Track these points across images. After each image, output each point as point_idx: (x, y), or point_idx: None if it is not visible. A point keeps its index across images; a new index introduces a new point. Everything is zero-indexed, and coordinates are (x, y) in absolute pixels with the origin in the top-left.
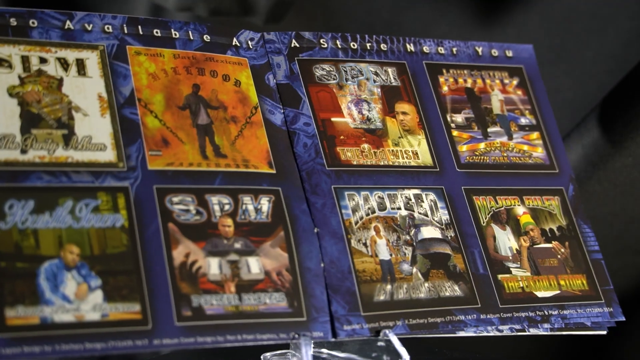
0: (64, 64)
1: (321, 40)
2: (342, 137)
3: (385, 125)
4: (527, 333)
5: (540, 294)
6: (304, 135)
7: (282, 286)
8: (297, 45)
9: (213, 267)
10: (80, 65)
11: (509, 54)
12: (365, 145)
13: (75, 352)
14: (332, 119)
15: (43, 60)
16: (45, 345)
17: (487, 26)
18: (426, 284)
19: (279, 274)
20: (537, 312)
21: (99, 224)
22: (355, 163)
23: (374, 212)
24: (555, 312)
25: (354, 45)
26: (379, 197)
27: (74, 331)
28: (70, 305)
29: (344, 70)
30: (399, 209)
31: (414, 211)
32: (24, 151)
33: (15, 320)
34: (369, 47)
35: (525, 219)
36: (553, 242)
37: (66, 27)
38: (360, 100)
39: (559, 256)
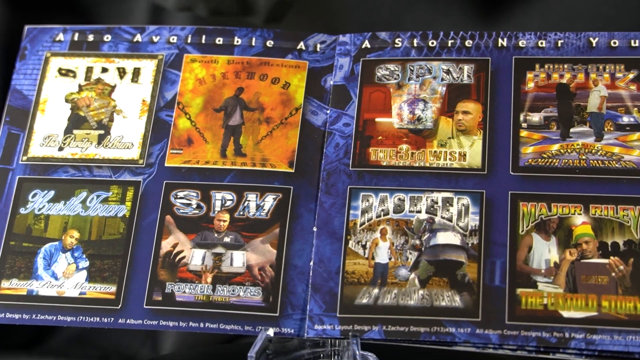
0: (122, 72)
1: (396, 40)
2: (380, 137)
3: (437, 125)
4: (552, 357)
5: (567, 313)
6: (338, 136)
7: (262, 281)
8: (369, 46)
9: (196, 258)
10: (136, 73)
11: (635, 43)
12: (404, 146)
13: (47, 322)
14: (377, 119)
15: (104, 70)
16: (24, 313)
17: (487, 26)
18: (421, 292)
19: (262, 269)
20: (554, 334)
21: (103, 213)
22: (384, 164)
23: (387, 214)
24: (580, 336)
25: (432, 43)
26: (398, 199)
27: (51, 304)
28: (56, 282)
29: (410, 69)
30: (419, 212)
31: (436, 215)
32: (61, 149)
33: (7, 290)
34: (450, 44)
35: (582, 229)
36: (611, 257)
37: (135, 40)
38: (416, 99)
39: (613, 274)
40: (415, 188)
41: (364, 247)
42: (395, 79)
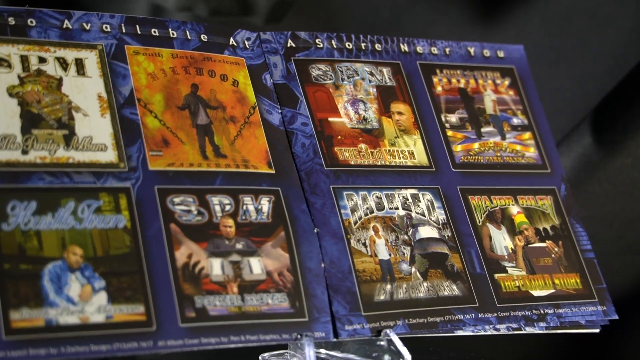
0: (63, 63)
1: (317, 40)
2: (339, 137)
3: (382, 125)
4: (524, 332)
5: (536, 293)
6: (301, 135)
7: (284, 287)
8: (294, 45)
9: (215, 267)
10: (80, 64)
11: (501, 54)
12: (362, 145)
13: (80, 354)
14: (330, 119)
15: (42, 60)
16: (51, 347)
17: (487, 26)
18: (425, 284)
19: (281, 274)
20: (534, 311)
21: (101, 225)
22: (353, 163)
23: (372, 212)
24: (551, 311)
25: (349, 45)
26: (377, 197)
27: (79, 333)
28: (74, 307)
29: (340, 70)
30: (397, 208)
31: (411, 211)
32: (25, 152)
33: (21, 323)
34: (363, 47)
35: (520, 218)
36: (547, 241)
37: (64, 26)
38: (356, 100)
39: (553, 255)
40: (386, 186)
41: (364, 245)
42: (330, 79)
